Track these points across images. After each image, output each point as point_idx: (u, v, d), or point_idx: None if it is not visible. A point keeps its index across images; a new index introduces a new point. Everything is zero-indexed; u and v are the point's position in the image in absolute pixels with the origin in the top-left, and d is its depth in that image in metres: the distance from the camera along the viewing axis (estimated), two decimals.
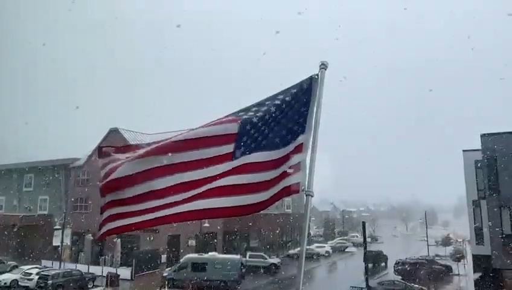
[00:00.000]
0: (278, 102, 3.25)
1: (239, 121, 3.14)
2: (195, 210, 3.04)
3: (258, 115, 3.18)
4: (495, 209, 25.66)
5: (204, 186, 3.06)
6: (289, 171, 3.24)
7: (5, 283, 30.89)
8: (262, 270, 38.90)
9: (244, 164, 3.09)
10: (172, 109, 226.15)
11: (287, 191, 3.26)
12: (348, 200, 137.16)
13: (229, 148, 3.10)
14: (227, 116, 3.23)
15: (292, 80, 3.39)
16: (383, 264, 46.57)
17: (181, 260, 33.71)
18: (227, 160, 3.09)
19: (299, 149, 3.27)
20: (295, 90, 3.32)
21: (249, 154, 3.11)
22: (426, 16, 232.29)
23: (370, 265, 46.01)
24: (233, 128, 3.12)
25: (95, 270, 35.09)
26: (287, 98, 3.28)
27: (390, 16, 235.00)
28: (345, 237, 72.64)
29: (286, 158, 3.26)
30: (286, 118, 3.27)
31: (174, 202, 3.05)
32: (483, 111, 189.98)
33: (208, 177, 3.08)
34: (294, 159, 3.25)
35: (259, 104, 3.25)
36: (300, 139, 3.28)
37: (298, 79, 3.42)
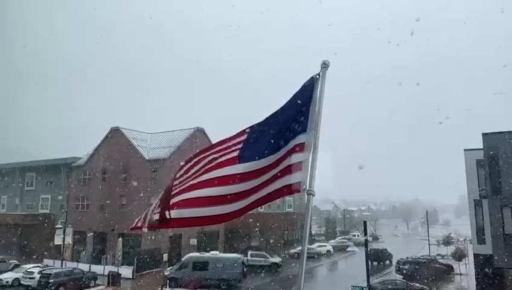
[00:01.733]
0: (281, 109, 3.37)
1: (247, 130, 3.38)
2: (184, 218, 3.27)
3: (263, 123, 3.37)
4: (496, 209, 25.63)
5: (198, 191, 3.26)
6: (289, 169, 3.25)
7: (6, 282, 30.99)
8: (263, 270, 38.92)
9: (243, 173, 3.20)
10: (172, 108, 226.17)
11: (288, 190, 3.25)
12: (349, 200, 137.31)
13: (234, 154, 3.29)
14: (243, 129, 3.43)
15: (295, 77, 3.42)
16: (387, 262, 46.59)
17: (182, 259, 33.76)
18: (231, 164, 3.26)
19: (300, 148, 3.26)
20: (295, 100, 3.37)
21: (252, 161, 3.23)
22: (427, 16, 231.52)
23: (375, 263, 46.40)
24: (243, 137, 3.37)
25: (97, 269, 35.17)
26: (288, 103, 3.36)
27: (392, 13, 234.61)
28: (346, 237, 72.59)
29: (285, 157, 3.27)
30: (287, 119, 3.32)
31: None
32: (485, 110, 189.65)
33: (209, 179, 3.26)
34: (295, 158, 3.24)
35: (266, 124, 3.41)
36: (301, 138, 3.28)
37: (301, 80, 3.45)
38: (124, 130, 44.16)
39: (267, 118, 3.39)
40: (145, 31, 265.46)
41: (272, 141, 3.28)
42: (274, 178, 3.26)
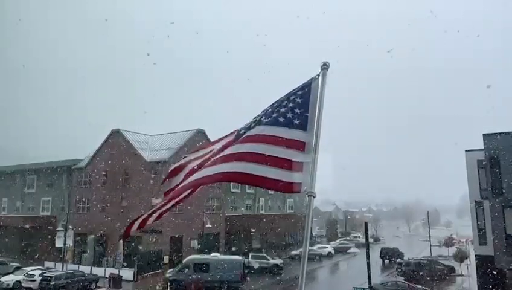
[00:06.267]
0: (278, 103, 3.48)
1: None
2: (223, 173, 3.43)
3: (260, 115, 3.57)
4: (498, 209, 25.57)
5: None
6: (290, 165, 3.23)
7: (8, 284, 30.96)
8: (264, 271, 38.85)
9: (250, 135, 3.44)
10: (172, 109, 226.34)
11: (288, 187, 3.23)
12: (350, 201, 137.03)
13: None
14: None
15: (295, 78, 3.45)
16: (399, 260, 46.69)
17: (183, 261, 33.71)
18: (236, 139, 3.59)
19: (301, 146, 3.25)
20: (295, 93, 3.39)
21: (254, 128, 3.49)
22: (428, 17, 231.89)
23: (387, 261, 46.87)
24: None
25: (98, 271, 35.15)
26: (286, 96, 3.45)
27: (392, 15, 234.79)
28: (348, 238, 72.45)
29: (281, 142, 3.28)
30: (285, 107, 3.42)
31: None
32: (486, 111, 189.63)
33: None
34: (296, 156, 3.22)
35: (264, 110, 3.63)
36: (302, 136, 3.27)
37: (300, 80, 3.46)
38: (125, 132, 44.18)
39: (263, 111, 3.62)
40: (146, 31, 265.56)
41: (270, 116, 3.43)
42: (273, 162, 3.24)
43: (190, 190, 3.73)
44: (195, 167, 3.72)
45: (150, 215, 3.81)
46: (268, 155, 3.24)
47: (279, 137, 3.27)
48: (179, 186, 3.75)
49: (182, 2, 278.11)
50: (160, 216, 3.85)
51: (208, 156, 3.74)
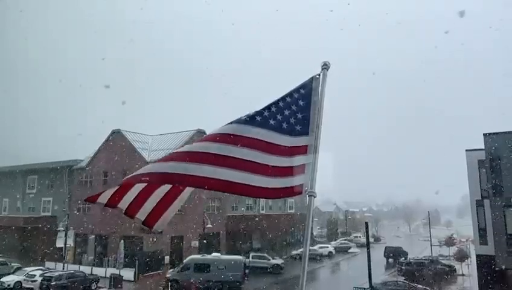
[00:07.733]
0: (280, 104, 3.35)
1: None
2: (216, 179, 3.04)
3: (259, 111, 3.34)
4: (498, 209, 25.57)
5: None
6: (291, 170, 3.22)
7: (8, 285, 31.00)
8: (265, 271, 38.85)
9: (254, 138, 3.16)
10: (172, 110, 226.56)
11: (290, 191, 3.23)
12: (350, 201, 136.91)
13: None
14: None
15: (294, 79, 3.42)
16: (402, 259, 46.85)
17: (184, 261, 33.74)
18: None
19: (302, 150, 3.25)
20: (296, 93, 3.36)
21: (246, 125, 3.20)
22: (428, 17, 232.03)
23: (391, 260, 47.42)
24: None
25: (98, 271, 35.18)
26: (287, 96, 3.37)
27: (392, 13, 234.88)
28: (348, 238, 72.47)
29: (286, 151, 3.23)
30: (287, 112, 3.32)
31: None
32: (486, 110, 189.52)
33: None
34: (298, 160, 3.23)
35: (264, 108, 3.37)
36: (305, 140, 3.27)
37: (300, 79, 3.45)
38: (125, 132, 44.20)
39: (263, 108, 3.34)
40: (145, 31, 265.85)
41: (275, 118, 3.26)
42: (275, 172, 3.18)
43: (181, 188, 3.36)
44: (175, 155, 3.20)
45: (122, 192, 3.53)
46: (273, 166, 3.17)
47: (284, 146, 3.23)
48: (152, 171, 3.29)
49: (181, 3, 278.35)
50: (156, 217, 3.53)
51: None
